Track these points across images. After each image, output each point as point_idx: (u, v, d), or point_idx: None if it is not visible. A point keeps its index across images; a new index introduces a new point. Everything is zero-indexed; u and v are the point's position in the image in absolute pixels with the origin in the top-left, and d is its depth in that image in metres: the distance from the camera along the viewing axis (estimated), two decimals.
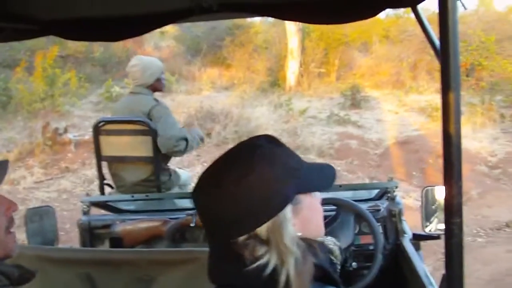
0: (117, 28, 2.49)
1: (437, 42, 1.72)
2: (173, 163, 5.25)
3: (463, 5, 1.70)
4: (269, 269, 1.24)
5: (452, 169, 1.62)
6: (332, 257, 1.53)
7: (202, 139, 5.24)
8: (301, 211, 1.36)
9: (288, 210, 1.30)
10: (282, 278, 1.24)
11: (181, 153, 4.84)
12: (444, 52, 1.58)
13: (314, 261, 1.31)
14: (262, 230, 1.27)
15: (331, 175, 1.51)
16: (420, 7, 2.18)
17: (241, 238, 1.28)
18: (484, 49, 16.30)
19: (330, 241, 1.56)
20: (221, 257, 1.35)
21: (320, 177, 1.46)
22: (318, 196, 1.46)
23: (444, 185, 1.66)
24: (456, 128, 1.60)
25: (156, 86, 4.92)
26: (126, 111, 4.84)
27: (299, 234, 1.34)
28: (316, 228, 1.45)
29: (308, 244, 1.34)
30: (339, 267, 1.54)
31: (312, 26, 17.68)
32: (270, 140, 1.39)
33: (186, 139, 4.79)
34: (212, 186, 1.31)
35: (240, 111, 13.06)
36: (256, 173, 1.28)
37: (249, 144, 1.39)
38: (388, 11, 21.85)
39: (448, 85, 1.58)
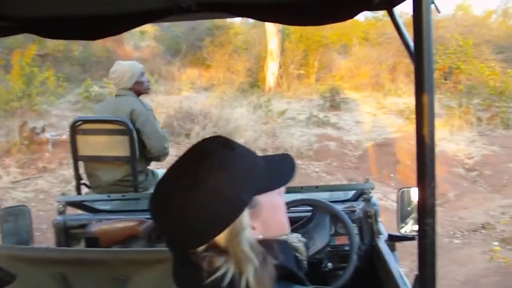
0: (95, 26, 2.48)
1: (411, 44, 1.73)
2: (152, 164, 5.25)
3: (437, 8, 1.72)
4: (227, 280, 1.22)
5: (426, 170, 1.64)
6: (297, 254, 1.52)
7: None
8: (261, 212, 1.33)
9: (245, 215, 1.28)
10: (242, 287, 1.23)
11: (167, 153, 4.94)
12: (418, 55, 1.59)
13: (275, 262, 1.29)
14: (220, 239, 1.26)
15: (290, 167, 1.47)
16: (398, 10, 2.20)
17: (199, 249, 1.27)
18: (461, 53, 16.45)
19: (294, 238, 1.55)
20: (181, 264, 1.34)
21: (278, 172, 1.42)
22: (281, 189, 1.43)
23: (418, 186, 1.67)
24: (430, 130, 1.62)
25: (137, 89, 4.93)
26: (109, 111, 4.84)
27: (260, 237, 1.32)
28: (279, 226, 1.42)
29: (269, 246, 1.31)
30: (305, 263, 1.54)
31: (291, 28, 17.74)
32: (222, 143, 1.35)
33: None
34: (163, 200, 1.29)
35: (219, 112, 13.07)
36: (205, 185, 1.24)
37: (200, 151, 1.34)
38: (368, 14, 21.97)
39: (422, 87, 1.59)
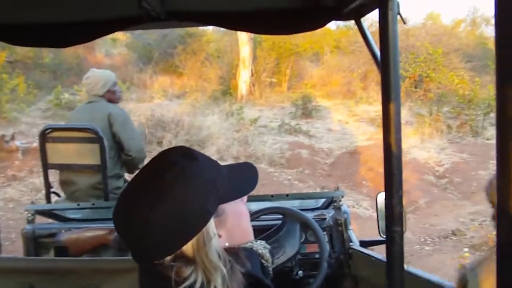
0: (65, 34, 2.47)
1: (378, 54, 1.75)
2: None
3: (403, 19, 1.73)
4: None
5: (393, 178, 1.65)
6: (263, 261, 1.52)
7: None
8: (227, 220, 1.34)
9: (211, 225, 1.27)
10: None
11: (145, 157, 4.97)
12: (385, 64, 1.61)
13: (242, 270, 1.29)
14: (187, 248, 1.24)
15: (253, 176, 1.47)
16: (369, 20, 2.22)
17: (167, 259, 1.25)
18: (431, 61, 16.60)
19: (259, 246, 1.54)
20: (148, 275, 1.33)
21: (241, 181, 1.43)
22: (244, 197, 1.45)
23: (385, 194, 1.69)
24: (397, 139, 1.63)
25: (109, 97, 4.94)
26: (85, 118, 4.82)
27: (227, 244, 1.33)
28: (244, 233, 1.44)
29: (235, 254, 1.32)
30: (271, 269, 1.53)
31: (263, 36, 17.76)
32: (184, 154, 1.33)
33: None
34: (127, 215, 1.26)
35: (192, 120, 13.04)
36: (169, 197, 1.22)
37: (162, 163, 1.32)
38: (339, 22, 22.09)
39: (388, 96, 1.61)
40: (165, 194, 1.22)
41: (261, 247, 1.52)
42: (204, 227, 1.24)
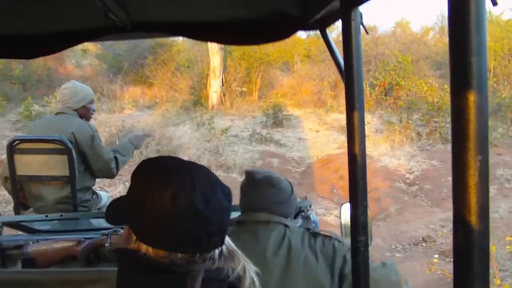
0: (32, 45, 2.46)
1: (342, 63, 1.77)
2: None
3: (365, 30, 1.76)
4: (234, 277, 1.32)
5: (357, 188, 1.67)
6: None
7: (133, 151, 5.29)
8: None
9: None
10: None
11: (114, 175, 4.90)
12: (348, 73, 1.63)
13: None
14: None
15: None
16: (334, 30, 2.25)
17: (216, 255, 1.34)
18: (401, 69, 16.77)
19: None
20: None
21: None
22: None
23: (350, 204, 1.70)
24: (361, 148, 1.65)
25: (82, 113, 4.85)
26: (50, 130, 4.75)
27: None
28: None
29: None
30: None
31: (233, 46, 17.82)
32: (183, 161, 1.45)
33: (115, 158, 4.85)
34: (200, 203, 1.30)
35: (162, 130, 13.01)
36: (216, 195, 1.34)
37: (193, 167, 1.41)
38: (309, 32, 22.19)
39: (352, 105, 1.63)
40: (213, 192, 1.34)
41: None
42: None
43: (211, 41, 3.10)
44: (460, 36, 0.75)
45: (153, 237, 1.31)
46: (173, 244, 1.30)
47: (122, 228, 2.74)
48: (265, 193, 2.32)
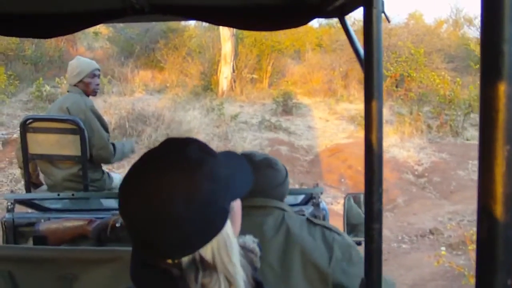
0: (48, 25, 2.46)
1: (362, 52, 1.76)
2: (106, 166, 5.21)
3: (387, 18, 1.74)
4: None
5: (373, 176, 1.66)
6: (253, 255, 1.49)
7: (133, 151, 5.25)
8: (234, 217, 1.31)
9: (228, 224, 1.24)
10: None
11: (111, 153, 4.82)
12: (368, 62, 1.62)
13: (255, 276, 1.31)
14: (206, 252, 1.19)
15: (249, 169, 1.44)
16: (352, 18, 2.23)
17: (185, 260, 1.19)
18: (413, 61, 16.68)
19: (250, 240, 1.52)
20: (149, 268, 1.24)
21: (243, 177, 1.38)
22: None
23: (365, 192, 1.70)
24: (378, 137, 1.65)
25: (83, 88, 4.81)
26: (55, 108, 4.79)
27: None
28: (239, 229, 1.39)
29: (246, 255, 1.32)
30: (259, 265, 1.51)
31: (245, 32, 17.77)
32: (201, 149, 1.28)
33: (113, 145, 4.84)
34: (151, 206, 1.18)
35: (172, 114, 13.03)
36: (199, 196, 1.17)
37: (187, 159, 1.23)
38: (321, 20, 22.16)
39: (371, 94, 1.62)
40: (195, 193, 1.18)
41: (251, 241, 1.50)
42: (224, 227, 1.22)
43: (227, 25, 3.11)
44: (492, 24, 0.75)
45: None
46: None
47: None
48: (265, 175, 2.26)
